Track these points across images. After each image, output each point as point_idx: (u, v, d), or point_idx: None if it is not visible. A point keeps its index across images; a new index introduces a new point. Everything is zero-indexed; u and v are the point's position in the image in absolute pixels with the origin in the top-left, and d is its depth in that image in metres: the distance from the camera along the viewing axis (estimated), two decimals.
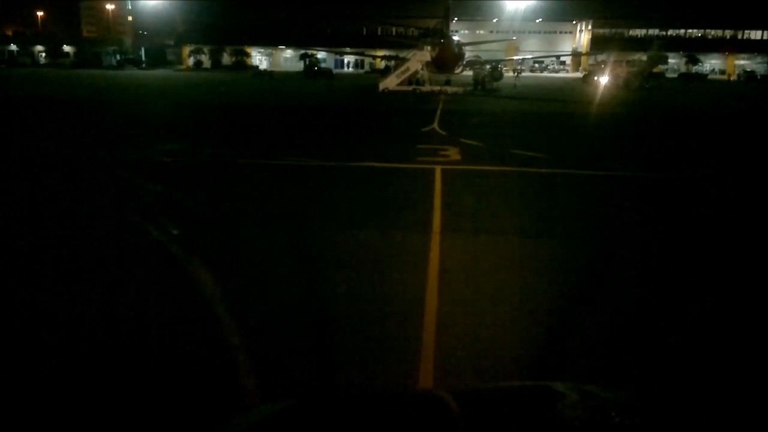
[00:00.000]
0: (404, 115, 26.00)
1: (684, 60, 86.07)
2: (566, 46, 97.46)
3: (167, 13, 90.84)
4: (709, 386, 4.36)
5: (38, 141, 16.28)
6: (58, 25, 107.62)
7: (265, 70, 69.36)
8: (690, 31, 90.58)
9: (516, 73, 57.08)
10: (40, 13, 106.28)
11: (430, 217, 8.78)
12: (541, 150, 15.27)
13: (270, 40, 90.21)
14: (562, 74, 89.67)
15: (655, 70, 60.38)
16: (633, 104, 34.25)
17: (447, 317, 5.38)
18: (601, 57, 69.55)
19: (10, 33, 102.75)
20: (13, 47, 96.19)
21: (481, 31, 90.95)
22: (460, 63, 44.61)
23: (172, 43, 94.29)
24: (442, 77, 43.36)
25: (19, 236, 7.79)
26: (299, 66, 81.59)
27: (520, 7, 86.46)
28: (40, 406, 3.98)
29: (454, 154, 14.65)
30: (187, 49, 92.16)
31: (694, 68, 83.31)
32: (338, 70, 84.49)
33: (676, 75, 78.56)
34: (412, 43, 50.22)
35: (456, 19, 71.41)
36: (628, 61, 59.06)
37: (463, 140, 16.86)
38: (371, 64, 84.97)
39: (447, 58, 41.67)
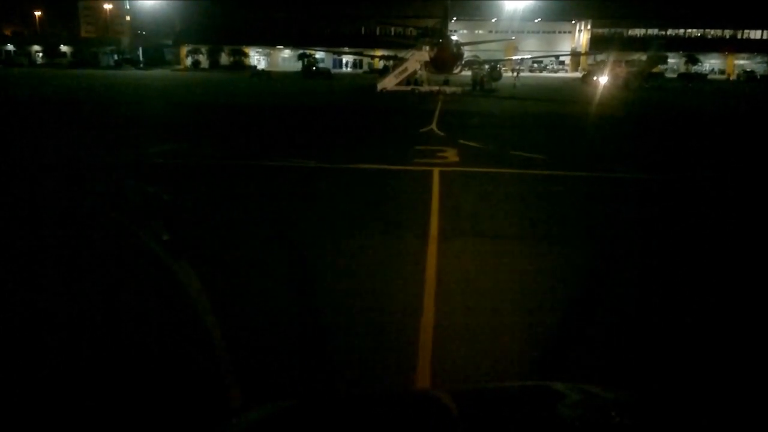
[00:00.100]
0: (402, 116, 25.78)
1: (683, 60, 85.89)
2: (565, 46, 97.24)
3: (165, 13, 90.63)
4: (709, 386, 4.33)
5: (25, 142, 16.04)
6: (56, 25, 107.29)
7: (262, 70, 69.07)
8: (689, 30, 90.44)
9: (515, 74, 56.86)
10: (38, 14, 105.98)
11: (427, 221, 8.54)
12: (540, 151, 15.05)
13: (268, 40, 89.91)
14: (561, 74, 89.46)
15: (654, 70, 60.25)
16: (633, 104, 34.04)
17: (445, 331, 5.15)
18: (600, 57, 69.36)
19: (8, 33, 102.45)
20: (11, 47, 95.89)
21: (480, 31, 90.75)
22: (458, 63, 44.43)
23: (170, 43, 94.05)
24: (441, 77, 43.17)
25: None
26: (297, 66, 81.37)
27: (518, 6, 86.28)
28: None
29: (452, 155, 14.43)
30: (184, 49, 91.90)
31: (694, 68, 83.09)
32: (337, 70, 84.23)
33: (675, 75, 78.34)
34: (411, 43, 50.02)
35: (455, 18, 71.25)
36: (627, 61, 58.87)
37: (461, 141, 16.64)
38: (370, 64, 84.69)
39: (445, 58, 41.49)
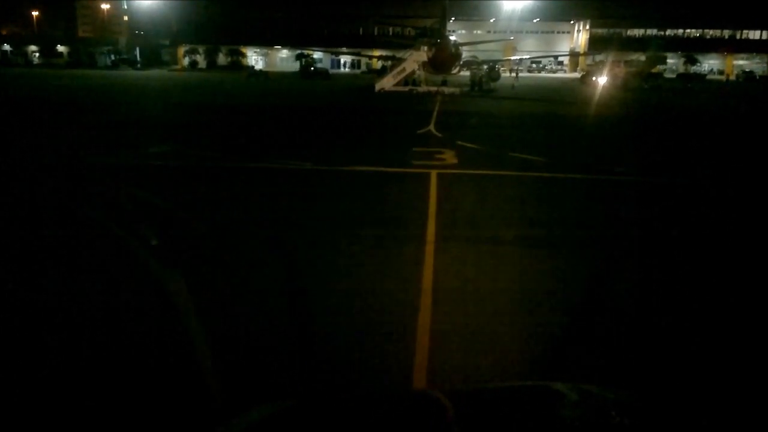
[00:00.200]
0: (400, 117, 25.57)
1: (682, 60, 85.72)
2: (564, 46, 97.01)
3: (163, 13, 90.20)
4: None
5: (19, 143, 15.79)
6: (53, 26, 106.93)
7: (260, 71, 68.64)
8: (688, 31, 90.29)
9: (515, 74, 56.66)
10: (35, 14, 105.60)
11: (424, 225, 8.31)
12: (540, 153, 14.83)
13: (266, 40, 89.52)
14: (559, 74, 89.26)
15: (653, 70, 60.07)
16: (632, 105, 33.83)
17: (440, 342, 4.90)
18: (599, 57, 69.12)
19: (5, 33, 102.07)
20: (7, 48, 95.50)
21: (479, 31, 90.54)
22: (457, 63, 44.23)
23: (167, 43, 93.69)
24: (439, 78, 42.98)
25: None
26: (295, 66, 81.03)
27: (517, 6, 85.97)
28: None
29: (450, 157, 14.20)
30: (182, 49, 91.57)
31: (693, 68, 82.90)
32: (335, 71, 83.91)
33: (674, 75, 78.18)
34: (409, 43, 49.84)
35: (453, 18, 70.92)
36: (626, 62, 58.70)
37: (459, 143, 16.41)
38: (368, 65, 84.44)
39: (444, 59, 41.28)
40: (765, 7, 76.01)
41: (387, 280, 6.34)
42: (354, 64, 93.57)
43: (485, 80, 44.66)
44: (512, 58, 75.56)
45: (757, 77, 79.08)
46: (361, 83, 49.46)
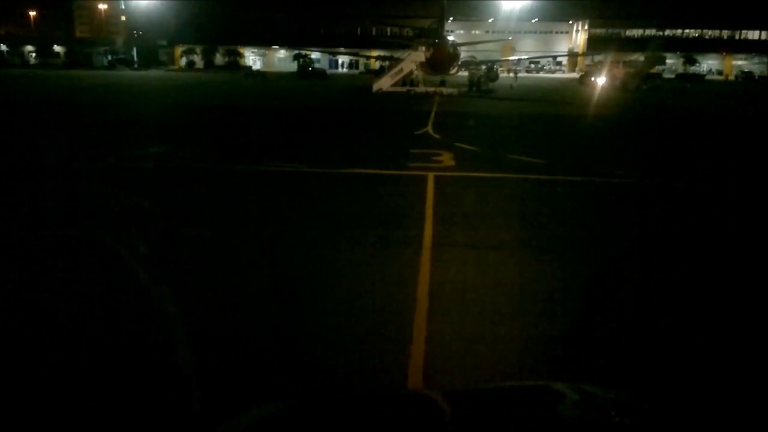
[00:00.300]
0: (397, 117, 25.31)
1: (681, 60, 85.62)
2: (562, 46, 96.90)
3: (160, 13, 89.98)
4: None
5: (12, 145, 15.50)
6: (51, 26, 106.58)
7: (257, 71, 68.39)
8: (687, 31, 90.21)
9: (514, 74, 56.43)
10: (32, 14, 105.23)
11: (420, 231, 8.01)
12: (539, 155, 14.56)
13: (263, 40, 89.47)
14: (558, 75, 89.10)
15: (652, 70, 59.84)
16: (632, 106, 33.61)
17: (437, 365, 4.60)
18: (597, 57, 68.92)
19: (2, 33, 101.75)
20: (4, 48, 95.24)
21: (477, 31, 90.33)
22: (455, 63, 44.01)
23: (164, 43, 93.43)
24: (437, 78, 42.74)
25: None
26: (293, 66, 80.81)
27: (516, 6, 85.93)
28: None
29: (448, 159, 13.91)
30: (179, 50, 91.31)
31: (692, 69, 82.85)
32: (332, 71, 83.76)
33: (673, 75, 78.06)
34: (407, 44, 49.59)
35: (451, 18, 70.73)
36: (625, 62, 58.36)
37: (457, 144, 16.12)
38: (366, 65, 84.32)
39: (442, 59, 41.06)
40: (764, 8, 75.91)
41: (381, 288, 6.03)
42: (352, 65, 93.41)
43: (483, 81, 44.42)
44: (510, 58, 75.45)
45: (756, 77, 79.00)
46: (359, 83, 49.19)
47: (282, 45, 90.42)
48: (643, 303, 5.89)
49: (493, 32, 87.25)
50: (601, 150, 16.96)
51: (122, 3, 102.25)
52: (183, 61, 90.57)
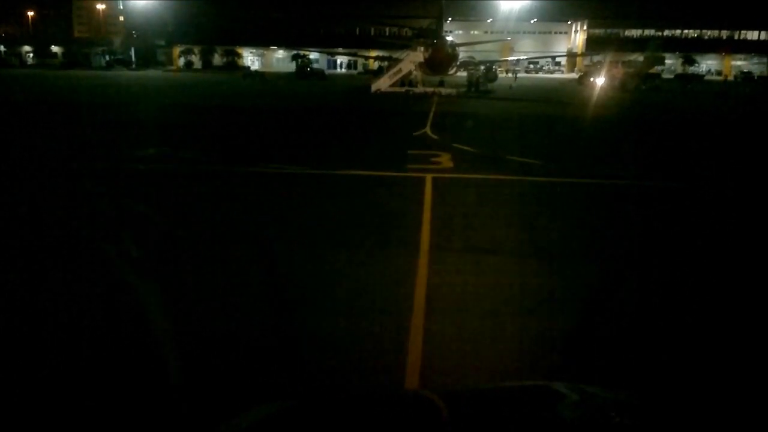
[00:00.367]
0: (396, 118, 25.24)
1: (680, 61, 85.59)
2: (561, 46, 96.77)
3: (159, 13, 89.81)
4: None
5: (8, 146, 15.39)
6: (49, 26, 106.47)
7: (256, 71, 68.24)
8: (686, 31, 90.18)
9: (513, 75, 56.33)
10: (31, 14, 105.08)
11: (418, 234, 7.93)
12: (538, 156, 14.48)
13: (262, 41, 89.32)
14: (557, 75, 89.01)
15: (651, 70, 59.84)
16: (632, 106, 33.54)
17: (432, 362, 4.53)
18: (596, 58, 68.88)
19: (1, 33, 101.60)
20: (1, 48, 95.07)
21: (476, 32, 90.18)
22: (453, 64, 43.94)
23: (162, 43, 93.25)
24: (436, 78, 42.66)
25: None
26: (291, 67, 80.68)
27: (514, 7, 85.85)
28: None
29: (446, 160, 13.83)
30: (177, 50, 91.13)
31: (691, 69, 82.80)
32: (331, 71, 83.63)
33: (672, 76, 78.04)
34: (406, 44, 49.53)
35: (450, 19, 70.73)
36: (624, 62, 58.37)
37: (456, 145, 16.04)
38: (364, 65, 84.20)
39: (440, 59, 41.00)
40: (763, 8, 75.91)
41: (379, 290, 5.96)
42: (350, 65, 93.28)
43: (482, 81, 44.30)
44: (509, 58, 75.39)
45: (756, 78, 79.01)
46: (358, 84, 49.09)
47: (280, 45, 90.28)
48: (643, 305, 5.81)
49: (492, 32, 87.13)
50: (601, 151, 16.88)
51: (121, 3, 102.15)
52: (181, 62, 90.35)
